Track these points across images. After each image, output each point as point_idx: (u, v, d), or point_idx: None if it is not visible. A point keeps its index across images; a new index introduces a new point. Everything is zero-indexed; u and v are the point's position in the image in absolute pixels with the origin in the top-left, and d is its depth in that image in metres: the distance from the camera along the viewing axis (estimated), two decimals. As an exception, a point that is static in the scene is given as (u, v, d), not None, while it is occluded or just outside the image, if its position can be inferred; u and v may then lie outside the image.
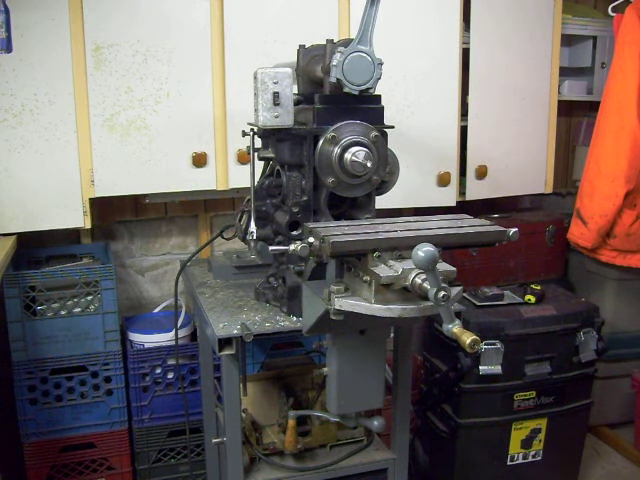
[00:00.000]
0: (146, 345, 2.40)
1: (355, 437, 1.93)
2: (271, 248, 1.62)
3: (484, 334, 2.28)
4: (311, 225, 1.42)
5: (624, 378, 2.96)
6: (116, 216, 2.66)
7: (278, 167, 1.73)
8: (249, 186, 1.72)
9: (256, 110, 1.64)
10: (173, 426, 2.41)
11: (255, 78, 1.62)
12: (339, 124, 1.60)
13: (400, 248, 1.30)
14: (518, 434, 2.46)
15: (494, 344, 2.33)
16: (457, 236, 1.38)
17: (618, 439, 3.07)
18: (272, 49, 2.33)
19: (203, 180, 2.38)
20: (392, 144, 1.70)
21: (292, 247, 1.32)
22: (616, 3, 2.80)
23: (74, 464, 2.33)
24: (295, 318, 1.69)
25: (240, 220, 1.81)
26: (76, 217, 2.27)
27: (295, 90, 1.74)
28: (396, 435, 1.91)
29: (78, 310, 2.25)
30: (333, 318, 1.34)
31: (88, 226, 2.31)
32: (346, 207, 1.76)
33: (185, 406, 2.27)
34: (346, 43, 1.59)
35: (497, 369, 2.34)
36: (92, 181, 2.26)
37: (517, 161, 2.82)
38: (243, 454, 1.74)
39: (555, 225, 2.95)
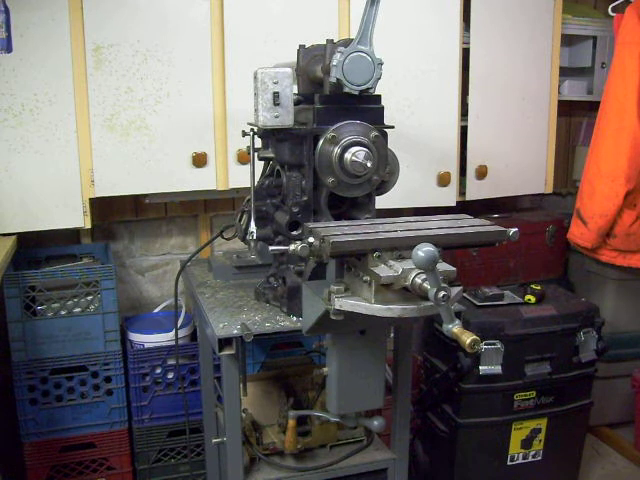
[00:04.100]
0: (146, 345, 2.40)
1: (355, 437, 1.93)
2: (271, 248, 1.62)
3: (484, 334, 2.28)
4: (311, 225, 1.42)
5: (624, 378, 2.95)
6: (116, 216, 2.66)
7: (278, 167, 1.73)
8: (249, 186, 1.72)
9: (256, 110, 1.64)
10: (173, 426, 2.41)
11: (255, 78, 1.62)
12: (339, 124, 1.60)
13: (400, 248, 1.30)
14: (518, 434, 2.46)
15: (494, 344, 2.33)
16: (457, 236, 1.38)
17: (618, 439, 3.07)
18: (272, 49, 2.33)
19: (203, 180, 2.38)
20: (392, 144, 1.70)
21: (292, 247, 1.32)
22: (616, 3, 2.80)
23: (74, 464, 2.33)
24: (295, 318, 1.69)
25: (240, 220, 1.81)
26: (76, 217, 2.27)
27: (295, 90, 1.74)
28: (396, 435, 1.91)
29: (78, 310, 2.25)
30: (333, 318, 1.34)
31: (88, 226, 2.31)
32: (346, 207, 1.76)
33: (185, 406, 2.27)
34: (346, 43, 1.59)
35: (497, 369, 2.34)
36: (92, 181, 2.26)
37: (517, 161, 2.82)
38: (243, 454, 1.74)
39: (555, 225, 2.95)
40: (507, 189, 2.84)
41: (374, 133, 1.62)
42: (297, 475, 1.80)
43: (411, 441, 2.58)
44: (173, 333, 2.17)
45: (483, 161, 2.72)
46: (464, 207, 2.71)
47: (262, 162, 1.81)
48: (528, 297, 2.47)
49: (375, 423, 1.77)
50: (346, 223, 1.47)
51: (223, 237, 1.96)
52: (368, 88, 1.59)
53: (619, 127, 2.62)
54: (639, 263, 2.78)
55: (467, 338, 1.19)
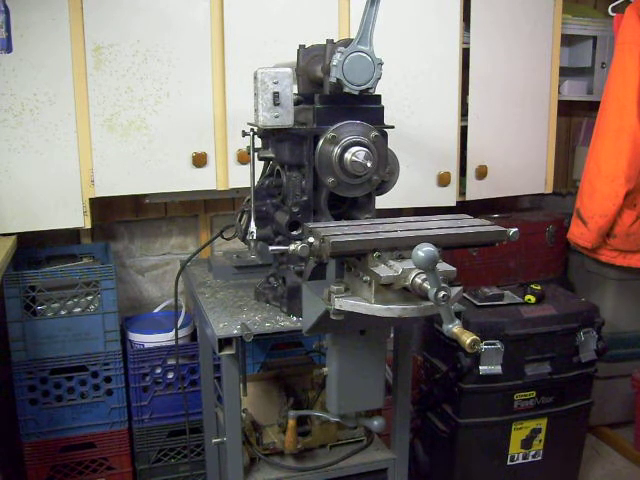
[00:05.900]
0: (146, 345, 2.40)
1: (355, 437, 1.93)
2: (271, 248, 1.62)
3: (484, 334, 2.28)
4: (311, 225, 1.42)
5: (624, 378, 2.95)
6: (116, 216, 2.66)
7: (278, 167, 1.73)
8: (249, 186, 1.72)
9: (256, 110, 1.64)
10: (173, 426, 2.41)
11: (255, 78, 1.62)
12: (339, 124, 1.60)
13: (400, 248, 1.30)
14: (518, 434, 2.46)
15: (494, 344, 2.33)
16: (457, 236, 1.38)
17: (618, 439, 3.07)
18: (272, 49, 2.33)
19: (203, 180, 2.38)
20: (392, 144, 1.70)
21: (292, 247, 1.32)
22: (616, 3, 2.80)
23: (74, 464, 2.33)
24: (295, 318, 1.69)
25: (240, 220, 1.81)
26: (76, 217, 2.27)
27: (295, 90, 1.74)
28: (396, 435, 1.91)
29: (78, 310, 2.25)
30: (333, 318, 1.34)
31: (88, 226, 2.31)
32: (346, 207, 1.76)
33: (185, 406, 2.27)
34: (346, 43, 1.59)
35: (497, 369, 2.34)
36: (92, 181, 2.26)
37: (517, 161, 2.82)
38: (243, 454, 1.74)
39: (555, 225, 2.95)
40: (507, 189, 2.84)
41: (374, 133, 1.62)
42: (297, 475, 1.80)
43: (411, 441, 2.58)
44: (173, 333, 2.17)
45: (483, 161, 2.72)
46: (464, 207, 2.71)
47: (262, 162, 1.81)
48: (528, 297, 2.47)
49: (375, 423, 1.77)
50: (346, 223, 1.47)
51: (223, 237, 1.97)
52: (368, 88, 1.59)
53: (619, 127, 2.62)
54: (639, 263, 2.78)
55: (467, 338, 1.19)
